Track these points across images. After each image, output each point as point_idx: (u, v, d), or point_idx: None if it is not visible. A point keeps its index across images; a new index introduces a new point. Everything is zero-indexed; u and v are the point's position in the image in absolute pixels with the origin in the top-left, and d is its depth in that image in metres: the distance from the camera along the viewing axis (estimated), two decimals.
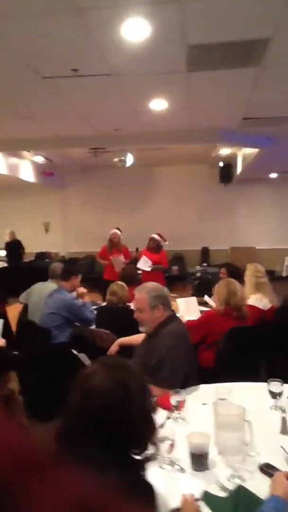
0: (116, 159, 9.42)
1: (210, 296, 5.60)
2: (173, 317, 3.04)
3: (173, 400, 2.34)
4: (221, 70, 4.10)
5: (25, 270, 10.60)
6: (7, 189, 12.34)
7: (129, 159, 9.54)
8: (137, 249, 8.86)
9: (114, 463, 1.31)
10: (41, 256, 12.09)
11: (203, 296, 5.40)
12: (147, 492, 1.32)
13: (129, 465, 1.36)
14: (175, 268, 10.78)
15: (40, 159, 9.90)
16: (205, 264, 10.94)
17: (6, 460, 0.40)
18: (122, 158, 9.44)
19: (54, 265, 5.38)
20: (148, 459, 1.43)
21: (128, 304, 4.45)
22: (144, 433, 1.39)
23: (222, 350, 3.86)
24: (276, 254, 11.54)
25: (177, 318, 3.14)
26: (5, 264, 10.54)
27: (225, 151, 9.57)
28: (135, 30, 3.29)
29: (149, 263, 6.96)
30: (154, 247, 7.28)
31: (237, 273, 5.57)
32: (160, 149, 9.51)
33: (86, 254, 12.29)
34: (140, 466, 1.38)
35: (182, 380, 2.72)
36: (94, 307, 5.44)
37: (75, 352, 3.14)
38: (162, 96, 4.90)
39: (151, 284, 3.10)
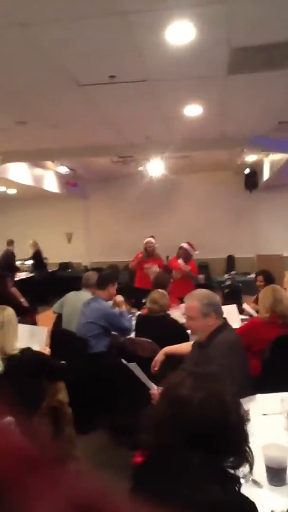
0: (140, 168, 9.41)
1: (240, 303, 5.52)
2: (225, 325, 2.95)
3: None
4: (261, 72, 4.02)
5: (49, 280, 10.64)
6: (30, 200, 12.42)
7: (155, 168, 9.52)
8: (167, 257, 8.77)
9: (213, 477, 1.23)
10: (64, 266, 12.12)
11: (233, 304, 5.29)
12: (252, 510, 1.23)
13: (227, 479, 1.27)
14: (201, 277, 10.66)
15: (64, 169, 9.95)
16: (233, 272, 10.80)
17: (5, 461, 0.40)
18: (147, 167, 9.44)
19: (88, 274, 5.33)
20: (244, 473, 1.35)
21: (168, 312, 4.37)
22: (241, 444, 1.30)
23: (268, 359, 3.75)
24: None
25: (230, 326, 3.04)
26: (31, 274, 10.54)
27: (251, 157, 9.48)
28: (180, 33, 3.24)
29: (157, 269, 6.88)
30: (184, 257, 7.18)
31: (273, 281, 5.47)
32: (185, 158, 9.47)
33: (109, 263, 12.26)
34: (237, 481, 1.29)
35: (239, 389, 2.62)
36: (130, 315, 5.39)
37: (124, 361, 3.06)
38: (198, 101, 4.85)
39: (202, 291, 3.02)
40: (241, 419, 1.33)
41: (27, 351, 2.75)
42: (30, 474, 0.40)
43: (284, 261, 11.07)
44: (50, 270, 11.31)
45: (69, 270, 12.24)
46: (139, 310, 5.55)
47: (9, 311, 2.76)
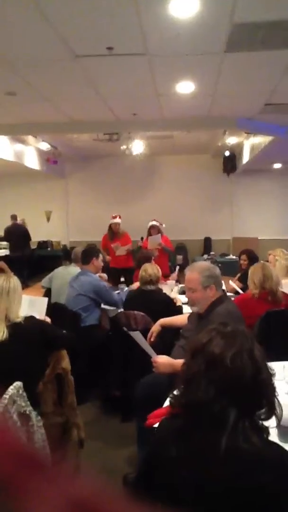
0: (123, 147, 9.36)
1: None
2: (225, 297, 3.02)
3: None
4: (258, 51, 4.06)
5: (28, 258, 10.53)
6: (9, 177, 12.20)
7: (137, 147, 9.49)
8: (142, 238, 8.82)
9: (249, 428, 1.29)
10: (43, 244, 12.01)
11: None
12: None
13: (260, 430, 1.34)
14: (179, 257, 10.77)
15: (45, 146, 9.78)
16: (212, 253, 10.95)
17: (5, 461, 0.41)
18: (130, 146, 9.40)
19: (76, 250, 5.35)
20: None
21: (159, 287, 4.42)
22: (271, 397, 1.37)
23: (257, 334, 3.86)
24: (278, 245, 11.52)
25: (229, 298, 3.12)
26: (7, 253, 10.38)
27: (232, 140, 9.54)
28: (183, 6, 3.23)
29: (160, 239, 6.90)
30: (157, 234, 7.21)
31: (256, 259, 5.60)
32: (167, 138, 9.47)
33: (87, 243, 12.21)
34: (267, 431, 1.36)
35: None
36: (118, 291, 5.43)
37: (126, 329, 3.10)
38: (191, 78, 4.85)
39: (203, 264, 3.08)
40: (270, 374, 1.39)
41: (30, 319, 2.76)
42: (29, 473, 0.41)
43: (260, 243, 11.31)
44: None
45: (48, 249, 12.14)
46: (127, 286, 5.61)
47: (15, 279, 2.75)
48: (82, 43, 3.91)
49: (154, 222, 7.31)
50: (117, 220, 7.56)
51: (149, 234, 7.23)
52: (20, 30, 3.60)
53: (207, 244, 12.48)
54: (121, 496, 0.44)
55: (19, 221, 10.75)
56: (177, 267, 6.37)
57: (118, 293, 5.29)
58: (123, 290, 5.39)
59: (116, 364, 4.07)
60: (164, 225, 7.49)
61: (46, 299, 3.34)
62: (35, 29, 3.58)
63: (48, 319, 3.13)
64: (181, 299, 4.56)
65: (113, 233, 7.55)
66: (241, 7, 3.25)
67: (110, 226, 7.61)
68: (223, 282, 3.37)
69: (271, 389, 1.37)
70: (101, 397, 4.29)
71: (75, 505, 0.39)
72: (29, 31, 3.62)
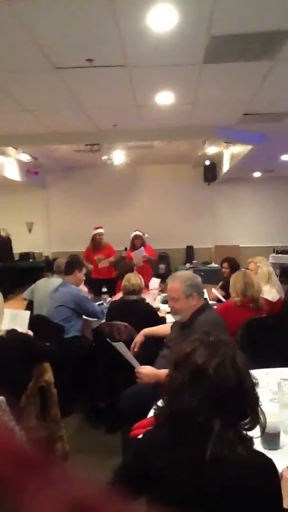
0: (104, 157, 9.39)
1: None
2: (207, 305, 3.04)
3: None
4: (235, 62, 4.12)
5: (10, 270, 10.46)
6: None
7: (118, 158, 9.53)
8: (125, 248, 8.84)
9: (233, 438, 1.29)
10: (25, 256, 11.92)
11: None
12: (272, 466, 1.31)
13: (245, 440, 1.34)
14: (162, 266, 10.80)
15: (26, 157, 9.73)
16: (195, 261, 11.01)
17: (5, 462, 0.41)
18: (111, 156, 9.43)
19: (59, 261, 5.32)
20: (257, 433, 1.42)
21: (143, 297, 4.42)
22: (255, 407, 1.37)
23: (240, 340, 3.88)
24: (259, 252, 11.63)
25: (211, 306, 3.13)
26: None
27: (211, 149, 9.64)
28: (162, 18, 3.27)
29: (143, 252, 6.95)
30: (141, 244, 7.26)
31: (238, 267, 5.65)
32: (147, 148, 9.52)
33: (70, 254, 12.15)
34: (251, 441, 1.37)
35: None
36: (100, 302, 5.41)
37: (109, 340, 3.08)
38: (170, 89, 4.90)
39: (185, 273, 3.10)
40: (253, 383, 1.40)
41: (12, 332, 2.73)
42: (28, 474, 0.42)
43: (241, 251, 11.41)
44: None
45: (30, 260, 12.05)
46: (110, 297, 5.60)
47: None
48: (61, 55, 3.92)
49: (137, 232, 7.37)
50: (100, 230, 7.53)
51: (133, 244, 7.25)
52: None
53: (189, 253, 12.54)
54: (119, 497, 0.44)
55: (1, 232, 10.67)
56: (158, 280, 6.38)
57: (101, 303, 5.29)
58: (106, 301, 5.38)
59: (100, 375, 4.05)
60: (146, 235, 7.54)
61: (28, 313, 3.30)
62: (14, 40, 3.58)
63: (30, 333, 3.10)
64: (165, 308, 4.58)
65: (96, 244, 7.51)
66: (218, 19, 3.30)
67: (93, 237, 7.57)
68: (205, 290, 3.41)
69: (255, 399, 1.38)
70: (85, 409, 4.25)
71: (74, 505, 0.40)
72: (8, 41, 3.62)
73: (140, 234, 7.32)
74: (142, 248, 7.02)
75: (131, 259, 6.86)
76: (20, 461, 0.42)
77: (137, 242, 7.22)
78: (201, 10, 3.16)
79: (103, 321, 4.40)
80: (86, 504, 0.41)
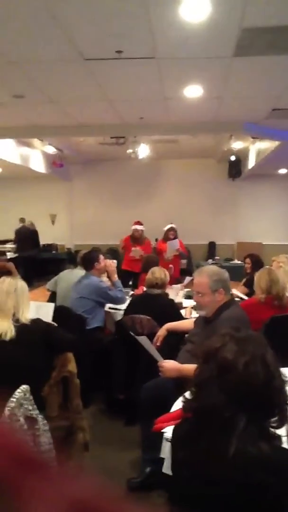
0: (129, 151, 9.36)
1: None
2: (232, 301, 3.01)
3: None
4: (266, 56, 4.05)
5: (32, 261, 10.60)
6: (15, 180, 12.25)
7: (143, 151, 9.50)
8: (156, 239, 8.83)
9: (258, 435, 1.27)
10: (47, 247, 12.03)
11: None
12: None
13: (271, 437, 1.32)
14: (183, 261, 10.74)
15: (51, 149, 9.80)
16: (217, 257, 10.93)
17: (6, 461, 0.41)
18: (136, 149, 9.40)
19: (82, 253, 5.32)
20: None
21: (166, 292, 4.40)
22: (283, 405, 1.34)
23: None
24: (282, 250, 11.52)
25: (237, 302, 3.10)
26: (15, 254, 10.45)
27: (237, 145, 9.53)
28: (194, 9, 3.23)
29: (177, 245, 6.92)
30: (174, 237, 7.28)
31: (260, 263, 5.58)
32: (172, 142, 9.48)
33: (92, 246, 12.22)
34: (279, 439, 1.35)
35: None
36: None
37: (133, 334, 3.09)
38: (199, 82, 4.85)
39: (212, 268, 3.06)
40: (283, 381, 1.37)
41: (37, 321, 2.75)
42: (29, 473, 0.41)
43: (264, 248, 11.28)
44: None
45: (53, 252, 12.16)
46: (132, 291, 5.60)
47: (22, 281, 2.75)
48: (91, 47, 3.91)
49: (172, 225, 7.37)
50: (137, 227, 7.55)
51: (167, 236, 7.27)
52: (30, 32, 3.61)
53: (212, 249, 12.46)
54: (121, 497, 0.43)
55: (27, 223, 10.91)
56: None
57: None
58: (127, 294, 5.38)
59: (120, 368, 4.05)
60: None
61: (52, 305, 3.34)
62: (45, 32, 3.58)
63: (54, 324, 3.11)
64: (188, 304, 4.55)
65: (136, 238, 7.54)
66: (251, 12, 3.25)
67: (133, 232, 7.59)
68: (233, 289, 3.38)
69: (283, 397, 1.35)
70: (105, 401, 4.26)
71: (75, 505, 0.39)
72: (39, 33, 3.63)
73: (175, 226, 7.31)
74: (177, 240, 7.02)
75: (161, 250, 6.85)
76: (19, 460, 0.42)
77: (171, 234, 7.23)
78: (234, 1, 3.10)
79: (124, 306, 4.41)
80: (87, 504, 0.40)
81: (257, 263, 5.66)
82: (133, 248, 7.38)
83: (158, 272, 4.25)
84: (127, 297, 4.83)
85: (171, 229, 7.28)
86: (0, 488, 0.39)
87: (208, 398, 1.33)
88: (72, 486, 0.42)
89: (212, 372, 1.35)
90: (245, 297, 5.02)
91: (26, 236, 10.75)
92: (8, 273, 5.27)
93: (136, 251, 7.33)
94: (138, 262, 7.39)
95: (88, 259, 4.79)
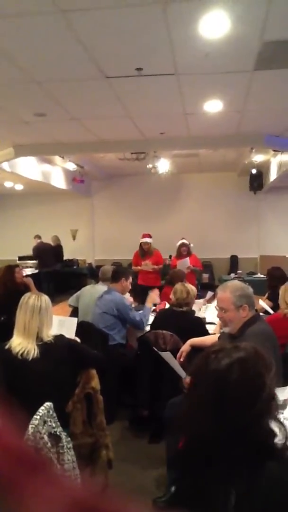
0: (149, 166, 9.41)
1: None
2: (258, 317, 2.95)
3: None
4: (287, 68, 4.04)
5: (54, 276, 10.70)
6: (36, 196, 12.45)
7: (163, 166, 9.53)
8: (170, 256, 8.84)
9: (263, 455, 1.19)
10: (69, 263, 12.12)
11: None
12: None
13: (275, 453, 1.23)
14: (205, 275, 10.69)
15: (71, 166, 9.93)
16: (239, 271, 10.83)
17: (4, 461, 0.41)
18: (156, 164, 9.44)
19: (105, 268, 5.34)
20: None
21: (193, 309, 4.36)
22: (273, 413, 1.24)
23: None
24: None
25: (262, 318, 3.05)
26: (36, 270, 10.55)
27: (258, 157, 9.48)
28: (214, 25, 3.24)
29: (188, 263, 6.94)
30: (186, 252, 7.29)
31: (279, 277, 5.45)
32: (193, 156, 9.49)
33: (113, 261, 12.26)
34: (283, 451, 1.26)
35: None
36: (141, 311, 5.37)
37: (156, 350, 3.06)
38: (219, 97, 4.86)
39: (235, 283, 3.02)
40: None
41: (60, 337, 2.75)
42: (29, 473, 0.41)
43: (287, 262, 11.13)
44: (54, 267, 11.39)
45: (74, 267, 12.25)
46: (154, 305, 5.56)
47: (46, 297, 2.75)
48: (112, 64, 3.96)
49: (184, 241, 7.41)
50: (147, 239, 7.59)
51: (179, 252, 7.27)
52: (52, 51, 3.67)
53: (234, 263, 12.35)
54: (120, 497, 0.44)
55: (52, 237, 11.36)
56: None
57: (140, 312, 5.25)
58: (144, 310, 5.34)
59: (144, 384, 4.01)
60: (192, 245, 7.53)
61: (75, 319, 3.34)
62: (67, 51, 3.64)
63: (77, 339, 3.11)
64: (209, 318, 4.51)
65: (144, 251, 7.58)
66: (272, 25, 3.24)
67: (140, 245, 7.63)
68: (260, 300, 3.32)
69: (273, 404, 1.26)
70: (128, 417, 4.22)
71: (75, 505, 0.39)
72: (62, 52, 3.69)
73: (187, 242, 7.34)
74: (187, 259, 7.02)
75: (175, 267, 6.84)
76: (20, 460, 0.42)
77: (183, 250, 7.25)
78: (254, 15, 3.11)
79: (148, 329, 4.37)
80: (86, 504, 0.40)
81: (273, 277, 5.57)
82: (143, 263, 7.44)
83: (179, 292, 4.20)
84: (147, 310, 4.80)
85: (183, 244, 7.29)
86: (0, 488, 0.39)
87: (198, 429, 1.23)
88: (70, 486, 0.42)
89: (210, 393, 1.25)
90: (270, 310, 4.93)
91: (46, 252, 10.87)
92: (26, 288, 5.37)
93: (147, 265, 7.37)
94: (152, 274, 7.41)
95: (118, 272, 4.85)
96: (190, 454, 1.28)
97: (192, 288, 4.28)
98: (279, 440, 1.25)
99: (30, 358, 2.56)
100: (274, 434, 1.23)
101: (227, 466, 1.18)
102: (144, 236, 7.66)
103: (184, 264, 6.87)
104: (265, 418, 1.22)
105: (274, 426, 1.24)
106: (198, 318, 4.30)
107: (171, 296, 4.25)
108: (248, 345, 1.34)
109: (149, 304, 4.90)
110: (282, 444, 1.23)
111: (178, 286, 4.26)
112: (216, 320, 3.90)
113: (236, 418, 1.19)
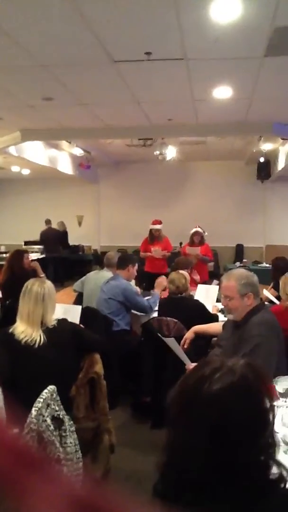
0: (156, 152, 9.35)
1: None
2: (262, 306, 2.95)
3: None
4: None
5: (60, 261, 10.74)
6: (43, 182, 12.42)
7: (170, 153, 9.47)
8: (180, 243, 8.80)
9: (263, 492, 1.06)
10: (74, 249, 12.13)
11: None
12: None
13: (275, 487, 1.09)
14: (210, 264, 10.66)
15: (78, 151, 9.87)
16: (245, 260, 10.80)
17: (5, 459, 0.41)
18: (163, 151, 9.38)
19: (110, 254, 5.35)
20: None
21: (190, 294, 4.37)
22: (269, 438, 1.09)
23: None
24: None
25: (266, 307, 3.04)
26: (42, 255, 10.60)
27: (267, 146, 9.40)
28: (225, 9, 3.19)
29: (197, 251, 6.90)
30: (199, 241, 7.21)
31: (283, 267, 5.41)
32: (200, 144, 9.41)
33: (118, 248, 12.26)
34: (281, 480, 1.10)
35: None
36: (147, 298, 5.39)
37: (160, 336, 3.07)
38: (228, 83, 4.80)
39: (240, 271, 3.01)
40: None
41: (63, 322, 2.76)
42: (29, 471, 0.41)
43: None
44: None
45: (80, 253, 12.26)
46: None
47: (49, 284, 2.76)
48: (120, 48, 3.92)
49: (198, 229, 7.31)
50: (157, 226, 7.55)
51: (192, 240, 7.22)
52: (60, 35, 3.63)
53: (239, 251, 12.31)
54: (121, 495, 0.43)
55: (57, 224, 11.29)
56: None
57: (148, 299, 5.26)
58: (153, 296, 5.36)
59: (147, 370, 4.03)
60: (206, 233, 7.45)
61: (79, 307, 3.35)
62: (75, 35, 3.60)
63: (82, 327, 3.12)
64: (218, 306, 4.51)
65: (153, 237, 7.56)
66: (284, 10, 3.18)
67: (150, 231, 7.60)
68: (265, 290, 3.29)
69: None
70: (131, 403, 4.25)
71: (75, 503, 0.39)
72: (69, 36, 3.65)
73: (201, 231, 7.26)
74: (198, 248, 6.96)
75: (185, 254, 6.83)
76: (20, 458, 0.42)
77: (196, 238, 7.17)
78: (266, 0, 3.05)
79: (153, 315, 4.39)
80: (86, 502, 0.40)
81: (277, 267, 5.52)
82: (153, 249, 7.38)
83: (177, 280, 4.22)
84: (155, 297, 4.81)
85: (196, 233, 7.20)
86: (0, 487, 0.39)
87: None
88: (70, 484, 0.42)
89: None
90: (275, 300, 4.90)
91: (53, 237, 10.89)
92: (33, 272, 5.37)
93: (157, 251, 7.34)
94: (160, 261, 7.39)
95: (125, 259, 4.86)
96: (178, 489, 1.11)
97: (187, 275, 4.31)
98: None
99: (36, 346, 2.57)
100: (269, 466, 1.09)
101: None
102: (155, 222, 7.60)
103: (193, 252, 6.84)
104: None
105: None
106: (199, 303, 4.31)
107: (169, 285, 4.26)
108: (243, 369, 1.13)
109: (158, 290, 4.91)
110: (277, 475, 1.09)
111: (174, 275, 4.28)
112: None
113: (236, 455, 1.04)
